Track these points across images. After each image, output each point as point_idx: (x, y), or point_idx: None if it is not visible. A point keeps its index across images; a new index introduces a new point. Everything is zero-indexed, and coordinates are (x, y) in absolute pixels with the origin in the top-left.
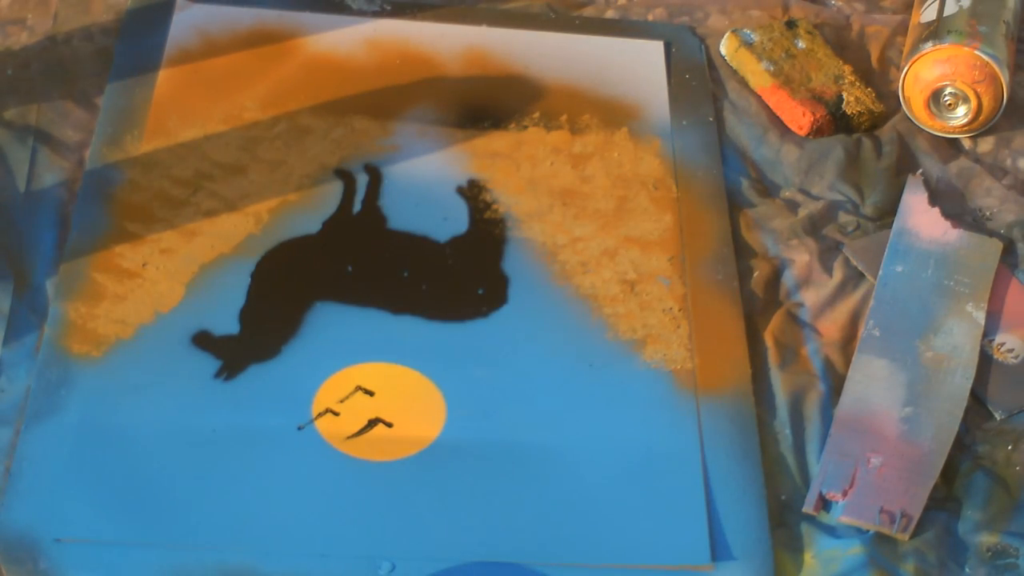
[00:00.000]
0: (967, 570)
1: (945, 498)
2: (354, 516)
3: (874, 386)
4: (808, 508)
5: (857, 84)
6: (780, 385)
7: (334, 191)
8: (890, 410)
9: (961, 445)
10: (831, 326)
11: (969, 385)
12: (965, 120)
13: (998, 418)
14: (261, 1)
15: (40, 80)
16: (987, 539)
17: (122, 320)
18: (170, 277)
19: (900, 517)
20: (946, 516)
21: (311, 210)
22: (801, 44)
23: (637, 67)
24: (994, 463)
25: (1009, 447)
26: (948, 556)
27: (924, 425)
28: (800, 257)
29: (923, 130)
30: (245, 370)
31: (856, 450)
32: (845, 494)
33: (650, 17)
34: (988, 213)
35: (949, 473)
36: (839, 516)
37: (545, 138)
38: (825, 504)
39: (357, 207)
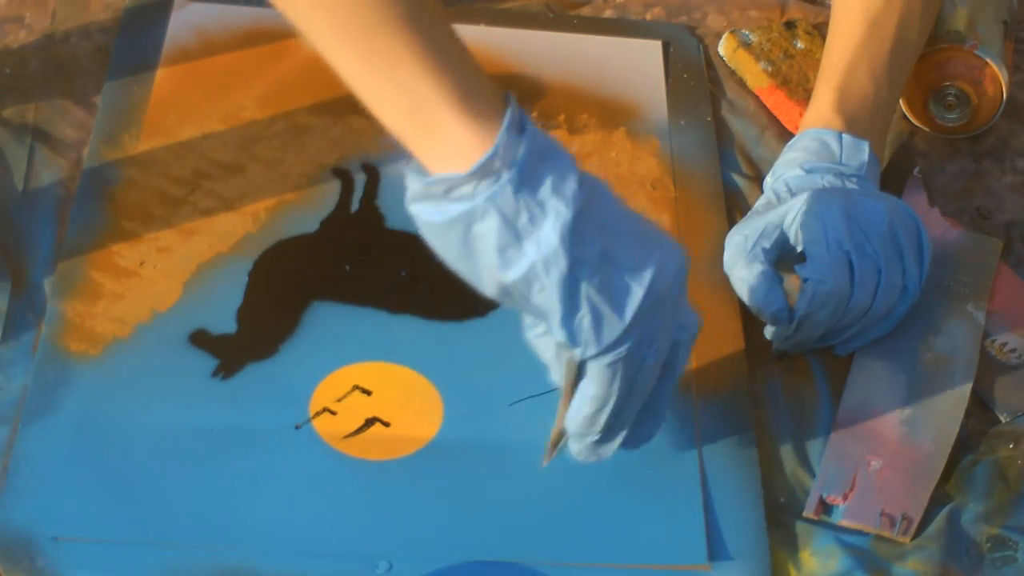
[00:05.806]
0: (966, 561)
1: (945, 492)
2: (351, 515)
3: (874, 388)
4: (808, 512)
5: None
6: (778, 386)
7: (332, 190)
8: (890, 412)
9: (961, 443)
10: None
11: (969, 386)
12: (965, 120)
13: (1003, 420)
14: (260, 0)
15: (38, 78)
16: (987, 531)
17: (120, 319)
18: (168, 276)
19: (901, 520)
20: (946, 509)
21: (309, 209)
22: (800, 45)
23: (635, 67)
24: (995, 458)
25: (1011, 445)
26: (947, 548)
27: (924, 427)
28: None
29: (921, 130)
30: (242, 369)
31: (856, 453)
32: (846, 497)
33: (648, 17)
34: (986, 212)
35: (949, 467)
36: (839, 520)
37: None
38: (826, 508)
39: (355, 206)
